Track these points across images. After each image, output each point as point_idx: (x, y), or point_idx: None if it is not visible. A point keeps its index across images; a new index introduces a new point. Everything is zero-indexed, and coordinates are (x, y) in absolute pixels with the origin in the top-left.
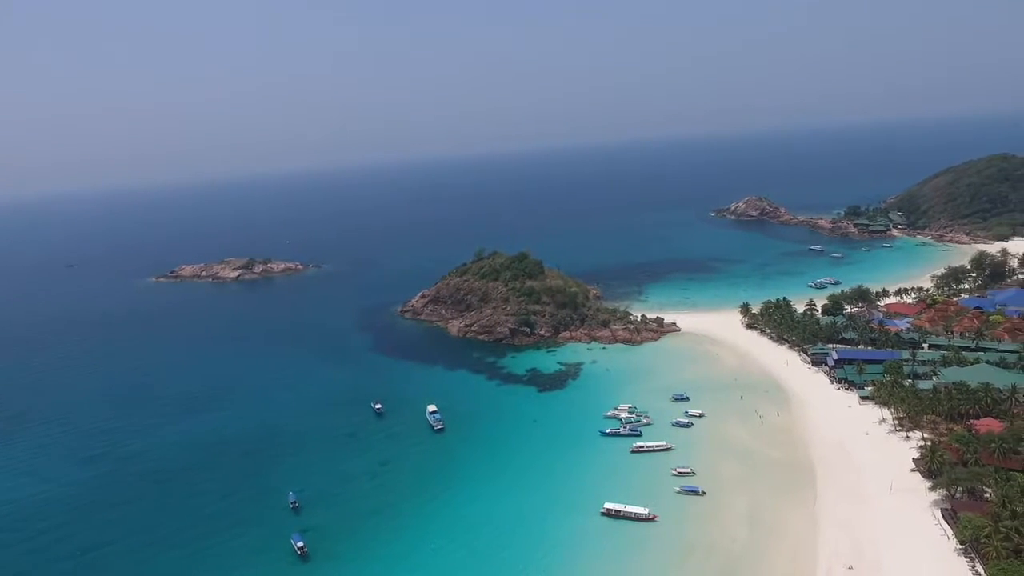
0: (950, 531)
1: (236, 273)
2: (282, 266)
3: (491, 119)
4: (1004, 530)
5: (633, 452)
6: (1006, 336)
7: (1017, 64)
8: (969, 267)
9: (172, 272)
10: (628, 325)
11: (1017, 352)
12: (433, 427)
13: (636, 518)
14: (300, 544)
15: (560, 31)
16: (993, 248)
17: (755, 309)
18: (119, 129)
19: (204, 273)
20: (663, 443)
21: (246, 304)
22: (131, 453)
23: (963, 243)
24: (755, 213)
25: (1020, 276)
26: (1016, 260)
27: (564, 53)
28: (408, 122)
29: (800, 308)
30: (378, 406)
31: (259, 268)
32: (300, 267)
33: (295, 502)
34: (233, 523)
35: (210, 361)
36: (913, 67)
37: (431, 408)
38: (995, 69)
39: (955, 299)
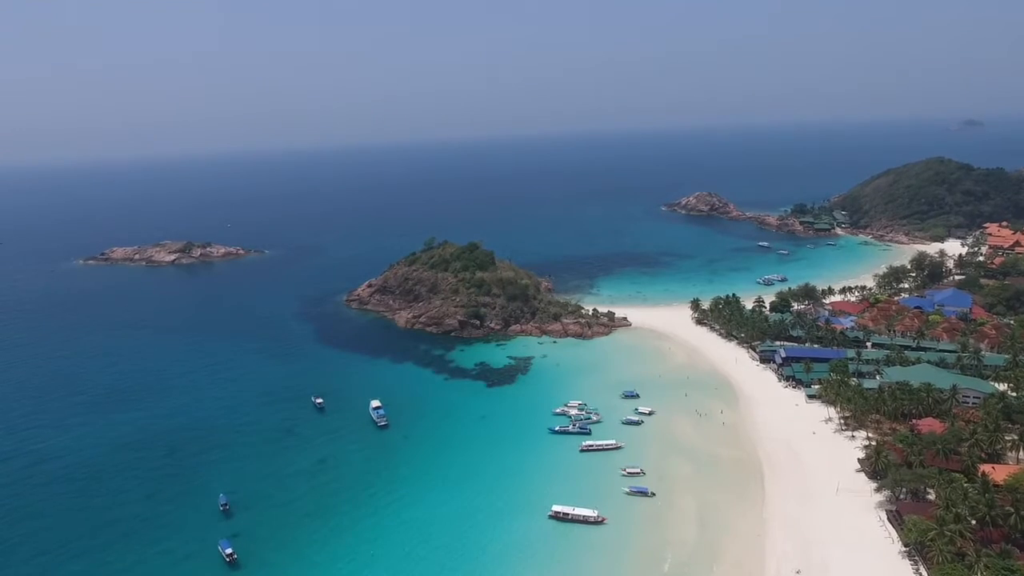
0: (895, 533)
1: (172, 257)
2: (222, 250)
3: (448, 107)
4: (948, 533)
5: (582, 451)
6: (944, 336)
7: (948, 73)
8: (909, 267)
9: (102, 254)
10: (579, 319)
11: (955, 352)
12: (376, 423)
13: (585, 521)
14: (229, 551)
15: (520, 18)
16: (931, 249)
17: (705, 305)
18: (52, 100)
19: (137, 256)
20: (613, 442)
21: (181, 290)
22: (45, 452)
23: (902, 243)
24: (705, 208)
25: (956, 277)
26: (952, 261)
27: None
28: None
29: (749, 304)
30: (319, 401)
31: (197, 252)
32: (241, 252)
33: (225, 504)
34: (155, 528)
35: (137, 352)
36: (848, 72)
37: (375, 403)
38: (930, 77)
39: (896, 298)
